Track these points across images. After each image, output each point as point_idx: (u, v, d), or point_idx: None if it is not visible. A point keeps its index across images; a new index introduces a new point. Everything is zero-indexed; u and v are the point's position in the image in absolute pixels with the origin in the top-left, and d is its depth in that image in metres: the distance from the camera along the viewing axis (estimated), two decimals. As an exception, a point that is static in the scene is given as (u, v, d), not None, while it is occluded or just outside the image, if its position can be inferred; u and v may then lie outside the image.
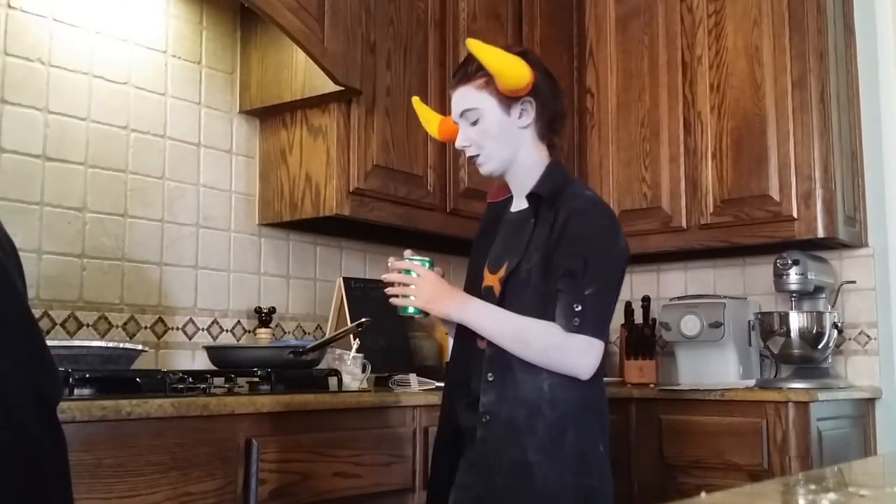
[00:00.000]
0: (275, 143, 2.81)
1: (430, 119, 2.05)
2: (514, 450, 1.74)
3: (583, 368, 1.75)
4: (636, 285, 3.73)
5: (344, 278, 2.84)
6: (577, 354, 1.74)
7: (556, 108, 1.91)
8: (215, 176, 2.73)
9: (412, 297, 1.80)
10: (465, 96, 1.86)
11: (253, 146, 2.85)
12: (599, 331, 1.76)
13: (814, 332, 3.03)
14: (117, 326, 2.44)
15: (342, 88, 2.58)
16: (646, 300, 3.51)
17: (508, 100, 1.82)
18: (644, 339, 3.46)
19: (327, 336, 2.48)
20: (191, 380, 2.01)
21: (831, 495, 0.90)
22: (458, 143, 1.89)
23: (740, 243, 3.25)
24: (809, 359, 3.07)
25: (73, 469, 1.32)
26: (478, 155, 1.87)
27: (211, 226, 2.71)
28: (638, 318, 3.52)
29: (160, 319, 2.54)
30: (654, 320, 3.48)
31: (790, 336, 3.03)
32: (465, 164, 2.97)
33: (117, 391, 1.84)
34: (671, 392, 3.04)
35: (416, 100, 2.10)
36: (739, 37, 3.25)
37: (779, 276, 3.09)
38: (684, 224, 3.34)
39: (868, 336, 3.23)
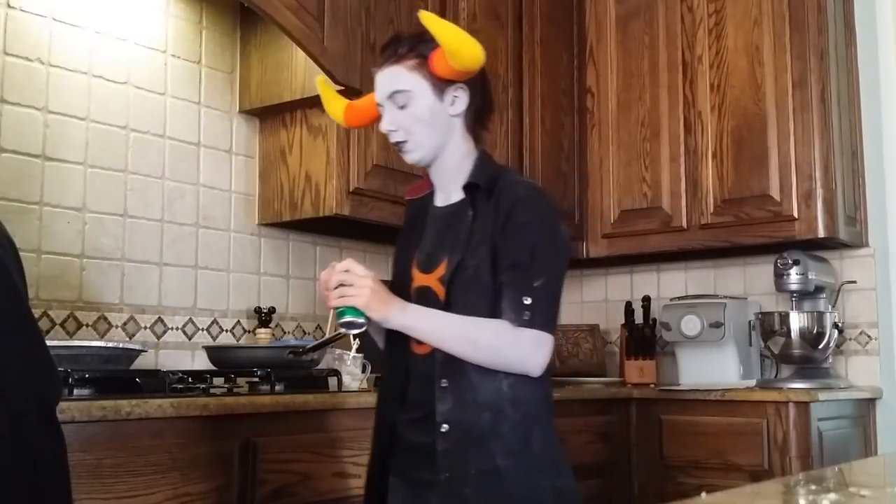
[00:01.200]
0: (275, 142, 2.81)
1: (334, 102, 1.88)
2: (480, 458, 1.63)
3: (535, 365, 1.65)
4: (636, 285, 3.73)
5: (344, 278, 2.83)
6: (530, 350, 1.64)
7: (487, 100, 1.82)
8: (215, 176, 2.73)
9: (353, 298, 1.64)
10: (395, 77, 1.72)
11: (253, 146, 2.85)
12: (549, 324, 1.66)
13: (814, 332, 3.03)
14: (117, 326, 2.43)
15: (342, 88, 2.58)
16: (646, 300, 3.51)
17: (441, 84, 1.71)
18: (644, 339, 3.46)
19: (327, 336, 2.47)
20: (190, 380, 2.01)
21: (832, 495, 0.90)
22: (384, 127, 1.75)
23: (741, 243, 3.25)
24: (810, 359, 3.07)
25: (73, 469, 1.32)
26: (405, 141, 1.74)
27: (211, 226, 2.70)
28: (638, 318, 3.52)
29: (160, 319, 2.54)
30: (654, 320, 3.48)
31: (791, 336, 3.03)
32: (465, 163, 2.96)
33: (117, 391, 1.84)
34: (671, 392, 3.04)
35: (320, 80, 1.93)
36: (740, 36, 3.25)
37: (779, 275, 3.09)
38: (685, 224, 3.33)
39: (868, 336, 3.23)
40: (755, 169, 3.18)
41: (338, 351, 2.43)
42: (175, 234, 2.60)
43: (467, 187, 1.74)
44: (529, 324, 1.63)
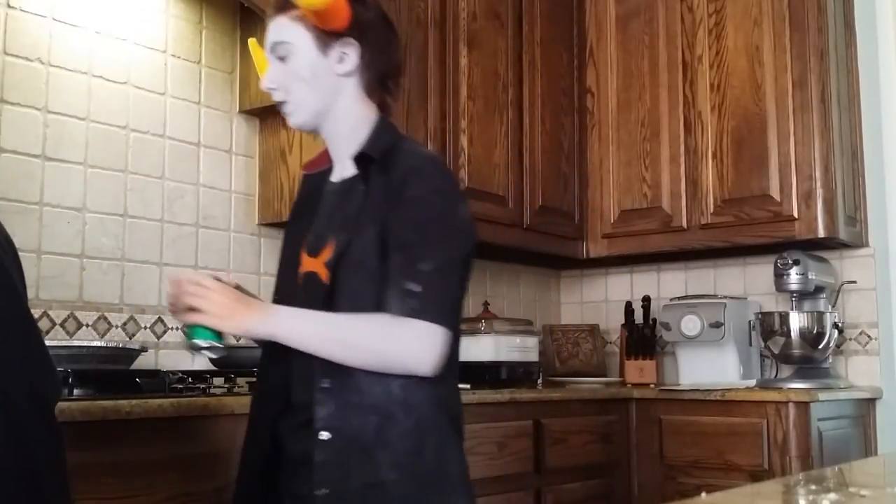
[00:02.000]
0: (274, 142, 2.80)
1: (264, 67, 1.66)
2: (364, 470, 1.41)
3: (423, 362, 1.41)
4: (636, 285, 3.73)
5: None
6: (414, 346, 1.40)
7: (390, 60, 1.60)
8: (215, 176, 2.73)
9: (203, 315, 1.44)
10: (278, 28, 1.54)
11: (253, 146, 2.85)
12: (442, 315, 1.41)
13: (814, 332, 3.03)
14: (117, 326, 2.43)
15: (342, 88, 2.57)
16: (646, 300, 3.51)
17: (326, 38, 1.52)
18: (644, 339, 3.46)
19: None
20: (190, 380, 2.01)
21: (832, 495, 0.90)
22: (263, 84, 1.57)
23: (741, 243, 3.25)
24: (810, 359, 3.07)
25: (73, 469, 1.32)
26: (285, 102, 1.56)
27: (210, 226, 2.70)
28: (638, 318, 3.52)
29: (160, 319, 2.54)
30: (654, 320, 3.48)
31: (791, 336, 3.03)
32: (465, 164, 2.97)
33: (117, 391, 1.84)
34: (671, 392, 3.04)
35: (252, 42, 1.77)
36: (740, 36, 3.25)
37: (779, 276, 3.09)
38: (685, 224, 3.33)
39: (868, 336, 3.23)
40: (755, 169, 3.18)
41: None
42: (175, 234, 2.60)
43: (359, 159, 1.53)
44: (416, 313, 1.40)
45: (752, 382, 3.13)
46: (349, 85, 1.56)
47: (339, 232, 1.50)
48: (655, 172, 3.41)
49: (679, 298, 3.41)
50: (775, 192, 3.13)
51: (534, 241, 3.31)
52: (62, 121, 2.34)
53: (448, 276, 1.45)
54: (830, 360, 3.17)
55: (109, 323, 2.42)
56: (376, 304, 1.43)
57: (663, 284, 3.68)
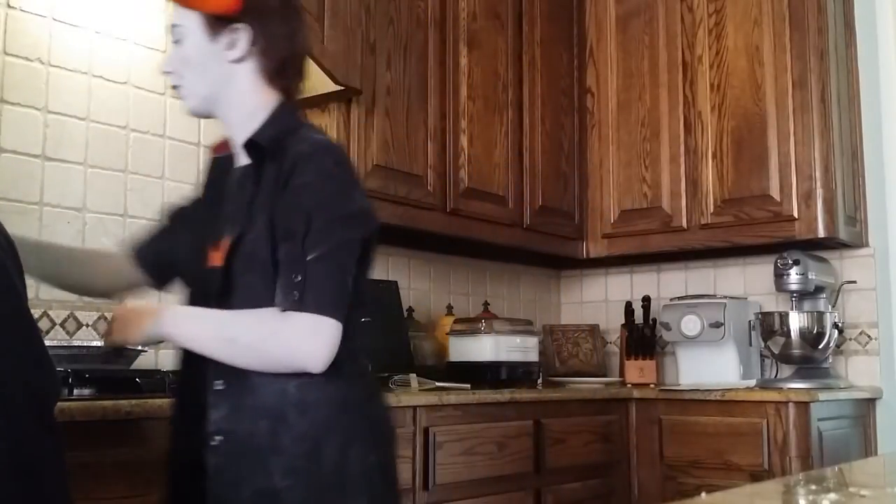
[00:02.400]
0: (275, 142, 2.80)
1: None
2: (256, 477, 1.35)
3: (310, 357, 1.33)
4: (636, 285, 3.73)
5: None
6: (301, 341, 1.33)
7: (291, 46, 1.52)
8: (215, 176, 2.73)
9: (111, 335, 1.46)
10: (174, 11, 1.51)
11: (253, 146, 2.85)
12: (330, 306, 1.34)
13: (814, 332, 3.03)
14: (117, 326, 2.43)
15: (342, 88, 2.58)
16: (646, 300, 3.51)
17: (216, 23, 1.46)
18: (644, 339, 3.46)
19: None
20: (190, 380, 2.01)
21: (832, 495, 0.90)
22: (161, 67, 1.55)
23: (741, 243, 3.25)
24: (810, 359, 3.07)
25: (73, 468, 1.32)
26: (179, 86, 1.51)
27: (211, 226, 2.70)
28: (638, 318, 3.52)
29: (160, 319, 2.53)
30: (654, 320, 3.48)
31: (791, 336, 3.03)
32: (465, 163, 2.97)
33: (117, 391, 1.84)
34: (671, 392, 3.04)
35: None
36: (740, 36, 3.25)
37: (779, 275, 3.09)
38: (685, 224, 3.33)
39: (868, 336, 3.23)
40: (755, 169, 3.18)
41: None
42: (175, 234, 2.60)
43: (248, 146, 1.47)
44: (298, 306, 1.33)
45: (752, 382, 3.13)
46: (243, 71, 1.49)
47: (233, 223, 1.44)
48: (655, 172, 3.41)
49: (679, 298, 3.41)
50: (775, 192, 3.13)
51: (534, 241, 3.31)
52: (62, 121, 2.34)
53: (336, 265, 1.37)
54: (830, 360, 3.17)
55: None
56: (272, 300, 1.37)
57: (663, 284, 3.68)
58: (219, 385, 1.39)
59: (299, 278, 1.34)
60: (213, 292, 1.43)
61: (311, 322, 1.33)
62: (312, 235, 1.35)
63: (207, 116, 1.55)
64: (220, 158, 1.59)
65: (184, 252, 1.56)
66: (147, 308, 1.45)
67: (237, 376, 1.38)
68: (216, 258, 1.45)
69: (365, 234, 1.43)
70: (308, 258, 1.34)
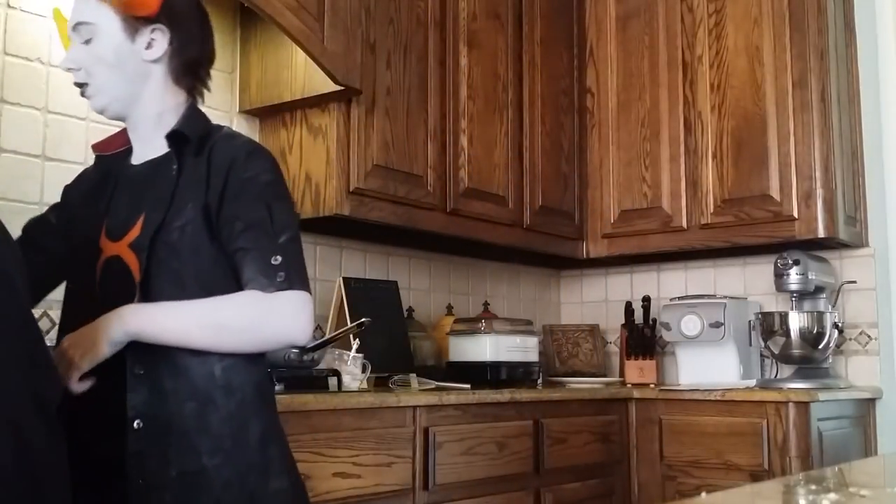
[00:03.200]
0: (274, 142, 2.80)
1: (68, 42, 1.59)
2: (182, 458, 1.38)
3: (302, 332, 1.42)
4: (636, 285, 3.73)
5: (344, 278, 2.83)
6: (291, 315, 1.40)
7: (202, 49, 1.58)
8: (215, 176, 2.73)
9: (74, 365, 1.38)
10: (82, 6, 1.49)
11: (253, 146, 2.85)
12: (306, 281, 1.45)
13: (814, 332, 3.03)
14: (117, 326, 2.43)
15: (342, 88, 2.58)
16: (646, 300, 3.51)
17: (135, 23, 1.48)
18: (644, 338, 3.46)
19: (327, 336, 2.48)
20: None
21: (832, 495, 0.90)
22: (64, 64, 1.52)
23: (741, 243, 3.25)
24: (810, 359, 3.07)
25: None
26: (86, 84, 1.51)
27: (211, 226, 2.70)
28: (638, 318, 3.52)
29: (160, 319, 2.53)
30: (654, 320, 3.48)
31: (790, 336, 3.03)
32: (465, 164, 2.97)
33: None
34: (671, 392, 3.04)
35: (56, 11, 1.65)
36: (740, 36, 3.25)
37: (779, 275, 3.09)
38: (685, 224, 3.33)
39: (868, 336, 3.23)
40: (755, 169, 3.18)
41: (338, 351, 2.43)
42: (175, 234, 2.60)
43: (172, 137, 1.50)
44: (287, 285, 1.41)
45: (752, 382, 3.13)
46: (156, 71, 1.53)
47: (148, 211, 1.46)
48: (655, 172, 3.41)
49: (679, 298, 3.41)
50: (775, 192, 3.13)
51: (534, 242, 3.31)
52: (62, 121, 2.34)
53: (299, 244, 1.48)
54: (830, 360, 3.17)
55: (109, 323, 2.41)
56: (199, 288, 1.41)
57: (663, 284, 3.68)
58: (139, 370, 1.40)
59: (279, 259, 1.42)
60: (116, 283, 1.43)
61: (298, 298, 1.42)
62: (278, 222, 1.44)
63: (114, 117, 1.56)
64: (105, 157, 1.61)
65: (60, 254, 1.56)
66: (98, 321, 1.39)
67: (157, 361, 1.40)
68: (117, 248, 1.46)
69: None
70: (281, 241, 1.43)
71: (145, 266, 1.42)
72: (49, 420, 1.20)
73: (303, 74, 2.66)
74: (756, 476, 2.74)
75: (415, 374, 2.61)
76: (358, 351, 2.45)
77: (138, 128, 1.56)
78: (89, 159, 2.39)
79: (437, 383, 2.65)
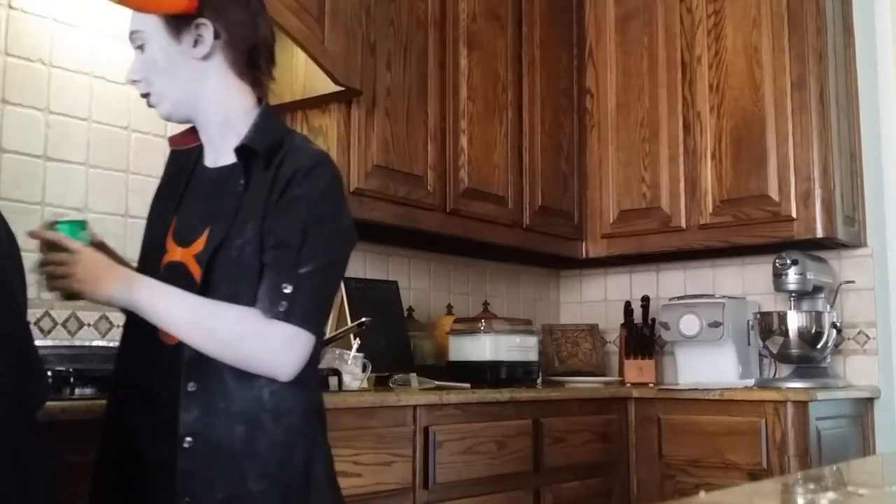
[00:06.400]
0: (275, 143, 2.81)
1: None
2: (230, 481, 1.36)
3: (283, 366, 1.37)
4: (636, 285, 3.74)
5: (344, 278, 2.84)
6: (277, 347, 1.36)
7: (255, 34, 1.50)
8: (216, 176, 2.73)
9: (63, 280, 1.37)
10: (132, 17, 1.48)
11: (253, 146, 2.85)
12: (311, 321, 1.38)
13: (813, 331, 3.04)
14: (118, 326, 2.43)
15: (342, 89, 2.58)
16: (645, 300, 3.52)
17: (177, 23, 1.44)
18: (643, 338, 3.47)
19: (327, 336, 2.48)
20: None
21: (830, 494, 0.91)
22: (127, 77, 1.51)
23: (739, 243, 3.25)
24: (808, 358, 3.08)
25: (73, 468, 1.33)
26: (149, 94, 1.49)
27: (211, 226, 2.71)
28: (637, 317, 3.53)
29: (161, 319, 2.54)
30: (653, 320, 3.49)
31: (789, 336, 3.04)
32: (465, 164, 2.98)
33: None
34: (670, 392, 3.05)
35: None
36: (739, 37, 3.26)
37: (778, 275, 3.10)
38: (683, 224, 3.34)
39: (867, 336, 3.24)
40: (754, 169, 3.18)
41: (338, 350, 2.43)
42: (176, 234, 2.60)
43: (241, 151, 1.45)
44: (284, 316, 1.35)
45: (751, 382, 3.14)
46: (213, 67, 1.48)
47: (213, 224, 1.43)
48: (654, 173, 3.42)
49: (678, 298, 3.42)
50: (774, 193, 3.14)
51: (533, 241, 3.31)
52: (64, 121, 2.35)
53: (323, 280, 1.41)
54: (829, 360, 3.18)
55: (111, 322, 2.42)
56: (252, 304, 1.38)
57: (662, 284, 3.68)
58: (191, 386, 1.38)
59: (289, 289, 1.36)
60: (177, 284, 1.41)
61: (292, 334, 1.36)
62: (308, 248, 1.38)
63: (183, 121, 1.54)
64: (180, 152, 1.57)
65: (145, 241, 1.55)
66: (118, 268, 1.40)
67: (211, 379, 1.38)
68: (181, 255, 1.45)
69: (351, 248, 1.48)
70: (301, 271, 1.37)
71: (205, 280, 1.41)
72: (36, 427, 1.20)
73: (303, 75, 2.67)
74: (755, 475, 2.75)
75: (415, 374, 2.61)
76: (358, 350, 2.45)
77: (207, 130, 1.52)
78: (91, 160, 2.41)
79: (437, 383, 2.65)
